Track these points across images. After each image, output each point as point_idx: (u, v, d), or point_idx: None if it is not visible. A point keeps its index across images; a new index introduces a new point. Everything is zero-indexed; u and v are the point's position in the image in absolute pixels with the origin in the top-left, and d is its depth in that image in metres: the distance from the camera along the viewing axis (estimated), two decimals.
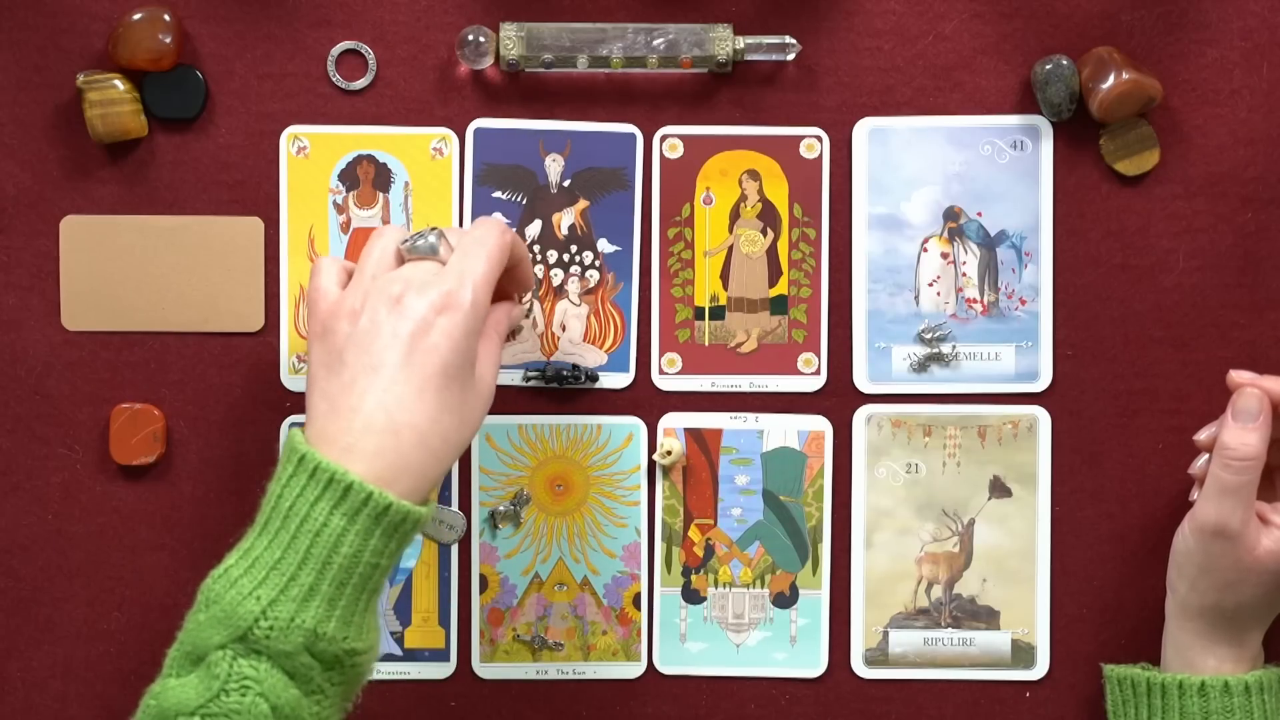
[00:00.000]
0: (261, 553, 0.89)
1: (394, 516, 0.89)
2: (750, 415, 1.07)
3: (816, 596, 1.08)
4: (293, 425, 1.06)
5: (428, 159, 1.07)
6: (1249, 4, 1.06)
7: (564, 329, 1.07)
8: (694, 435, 1.07)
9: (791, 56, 1.05)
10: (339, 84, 1.06)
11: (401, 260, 0.95)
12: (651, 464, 1.07)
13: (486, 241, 0.94)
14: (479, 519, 1.08)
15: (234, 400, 1.07)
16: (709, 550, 1.08)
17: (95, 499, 1.07)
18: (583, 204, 1.07)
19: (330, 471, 0.88)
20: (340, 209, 1.07)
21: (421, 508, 0.90)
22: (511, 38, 1.05)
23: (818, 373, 1.07)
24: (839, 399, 1.07)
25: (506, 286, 0.99)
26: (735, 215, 1.07)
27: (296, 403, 1.06)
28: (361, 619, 0.89)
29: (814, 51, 1.06)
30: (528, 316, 1.06)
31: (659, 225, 1.07)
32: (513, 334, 1.05)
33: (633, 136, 1.07)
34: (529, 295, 1.06)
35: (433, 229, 0.95)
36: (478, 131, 1.07)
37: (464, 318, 0.91)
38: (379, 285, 0.93)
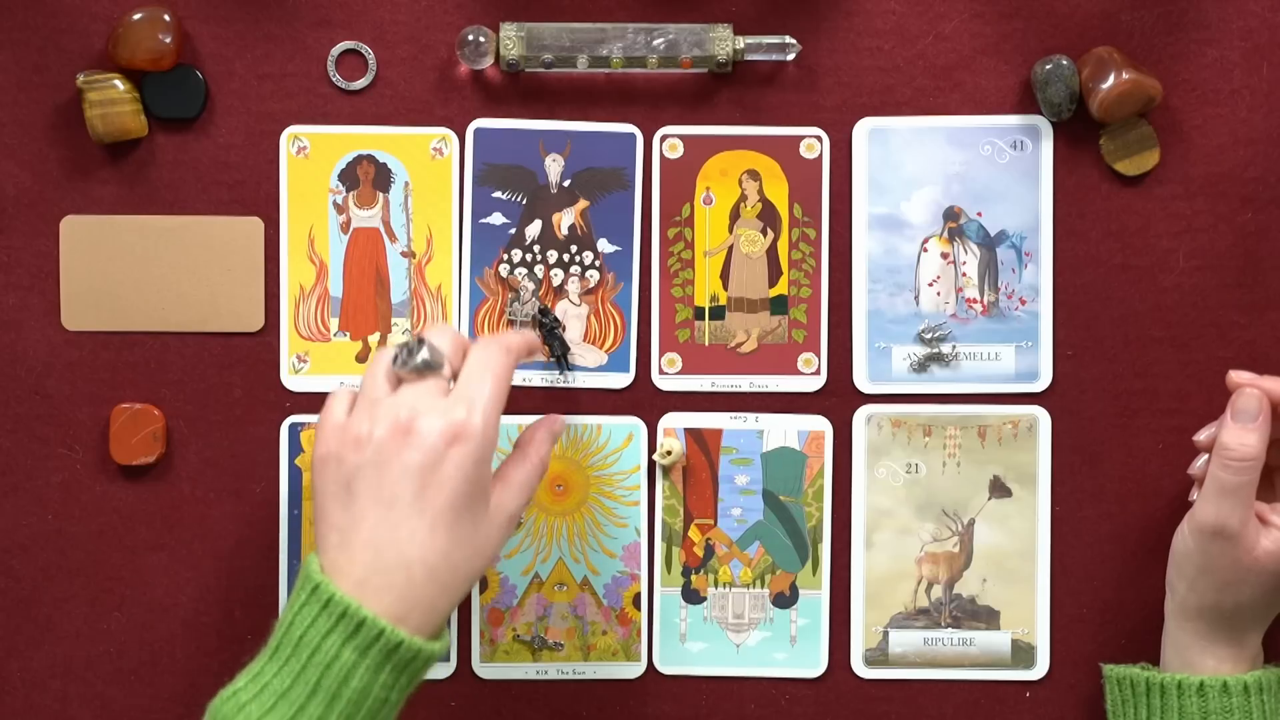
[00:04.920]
0: (271, 679, 0.89)
1: (404, 654, 0.89)
2: (750, 415, 1.07)
3: (816, 596, 1.08)
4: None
5: (428, 159, 1.07)
6: (1249, 4, 1.06)
7: (564, 329, 1.07)
8: (694, 435, 1.07)
9: (791, 56, 1.05)
10: (339, 84, 1.06)
11: (398, 381, 0.93)
12: (651, 464, 1.07)
13: (492, 365, 0.93)
14: None
15: (234, 400, 1.07)
16: (709, 550, 1.08)
17: (95, 499, 1.07)
18: (583, 204, 1.07)
19: (344, 606, 0.88)
20: (340, 209, 1.07)
21: (433, 644, 0.90)
22: (511, 38, 1.05)
23: (818, 373, 1.07)
24: (839, 399, 1.07)
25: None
26: (735, 215, 1.07)
27: (296, 403, 1.07)
28: None
29: (814, 51, 1.06)
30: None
31: (659, 225, 1.07)
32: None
33: (633, 136, 1.07)
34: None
35: (418, 340, 0.93)
36: (478, 131, 1.07)
37: (475, 447, 0.90)
38: (385, 412, 0.91)
